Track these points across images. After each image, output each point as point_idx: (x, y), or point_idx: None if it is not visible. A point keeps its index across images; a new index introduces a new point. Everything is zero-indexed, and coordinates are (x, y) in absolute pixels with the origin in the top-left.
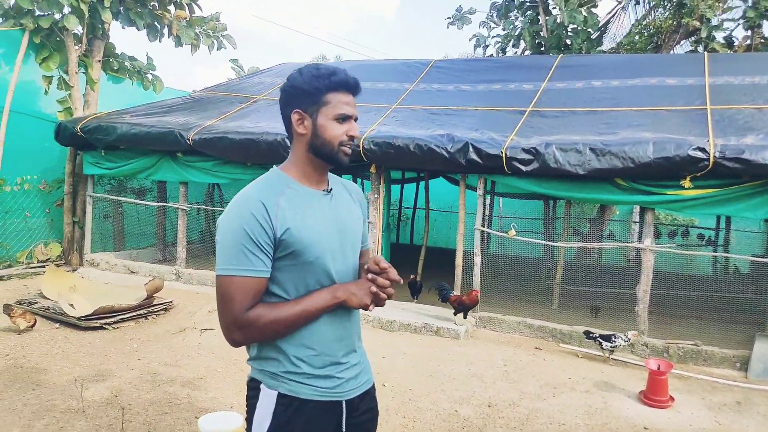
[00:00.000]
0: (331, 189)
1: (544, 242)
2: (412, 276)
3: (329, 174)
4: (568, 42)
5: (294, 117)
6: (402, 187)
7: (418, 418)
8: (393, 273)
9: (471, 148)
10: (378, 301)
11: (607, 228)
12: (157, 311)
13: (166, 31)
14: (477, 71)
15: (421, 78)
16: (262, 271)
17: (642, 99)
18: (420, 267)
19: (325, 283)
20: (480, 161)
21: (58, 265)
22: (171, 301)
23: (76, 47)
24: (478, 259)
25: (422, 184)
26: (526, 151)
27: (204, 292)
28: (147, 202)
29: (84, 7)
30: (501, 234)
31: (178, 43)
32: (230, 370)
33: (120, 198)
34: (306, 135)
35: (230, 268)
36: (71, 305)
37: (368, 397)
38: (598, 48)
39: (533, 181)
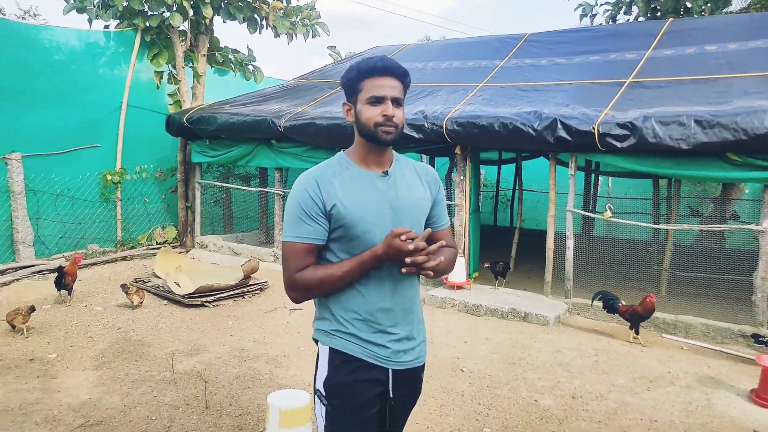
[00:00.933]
0: (387, 171)
1: (638, 224)
2: (487, 264)
3: (401, 157)
4: (688, 5)
5: (344, 109)
6: (499, 168)
7: (494, 406)
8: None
9: (559, 125)
10: (413, 259)
11: (731, 208)
12: (253, 291)
13: (265, 23)
14: (575, 43)
15: (513, 53)
16: (312, 239)
17: (764, 63)
18: (513, 250)
19: None
20: (569, 138)
21: (174, 247)
22: (266, 282)
23: (182, 43)
24: (570, 243)
25: (522, 164)
26: (621, 126)
27: None
28: (245, 188)
29: (187, 4)
30: (595, 215)
31: (276, 33)
32: (313, 349)
33: (222, 184)
34: (354, 122)
35: (287, 235)
36: (177, 284)
37: (415, 374)
38: (725, 9)
39: (630, 159)
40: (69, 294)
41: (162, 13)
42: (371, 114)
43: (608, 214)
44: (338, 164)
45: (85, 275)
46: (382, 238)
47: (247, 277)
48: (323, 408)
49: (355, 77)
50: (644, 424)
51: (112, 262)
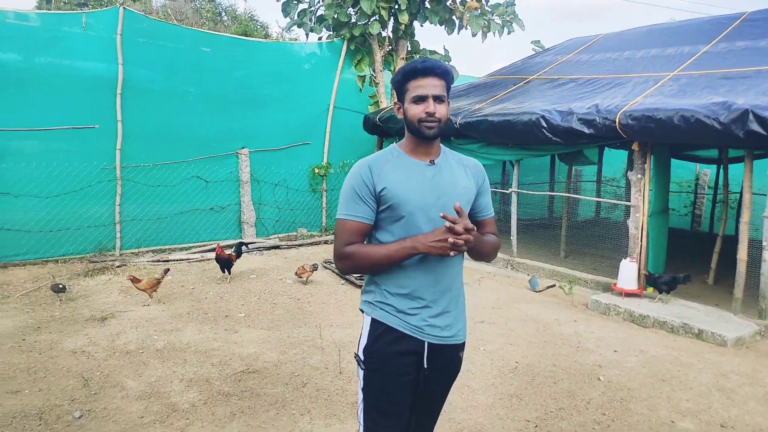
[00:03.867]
0: (433, 161)
1: None
2: (645, 272)
3: (448, 151)
4: None
5: (395, 108)
6: (718, 168)
7: (620, 419)
8: (467, 223)
9: (751, 117)
10: (456, 248)
11: None
12: None
13: (459, 23)
14: None
15: (723, 36)
16: (360, 218)
17: None
18: (713, 260)
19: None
20: (764, 133)
21: None
22: None
23: (381, 49)
24: (767, 254)
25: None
26: None
27: (468, 267)
28: None
29: (385, 14)
30: None
31: (473, 33)
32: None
33: None
34: (403, 119)
35: (340, 213)
36: None
37: (452, 352)
38: None
39: None
40: (228, 273)
41: (365, 24)
42: (415, 111)
43: None
44: (390, 153)
45: (290, 254)
46: (425, 219)
47: None
48: (362, 372)
49: (401, 79)
50: None
51: (315, 244)
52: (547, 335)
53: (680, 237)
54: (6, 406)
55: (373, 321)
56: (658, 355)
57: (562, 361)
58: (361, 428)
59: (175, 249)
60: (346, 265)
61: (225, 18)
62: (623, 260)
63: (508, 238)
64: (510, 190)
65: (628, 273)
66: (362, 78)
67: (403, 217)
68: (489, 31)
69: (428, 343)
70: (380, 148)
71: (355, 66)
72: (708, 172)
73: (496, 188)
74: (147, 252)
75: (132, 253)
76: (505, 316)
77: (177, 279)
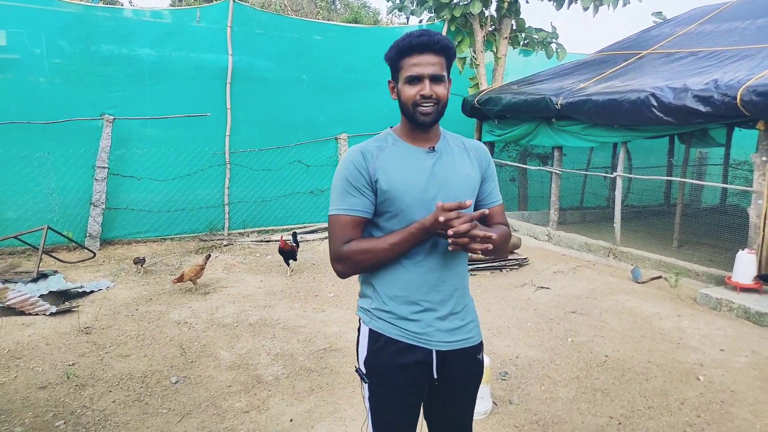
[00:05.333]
0: (434, 147)
1: None
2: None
3: (449, 134)
4: None
5: (389, 86)
6: None
7: (717, 422)
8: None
9: None
10: (456, 238)
11: None
12: (512, 266)
13: None
14: None
15: None
16: (357, 211)
17: None
18: None
19: None
20: None
21: None
22: (526, 258)
23: (482, 29)
24: None
25: None
26: None
27: (568, 255)
28: (516, 164)
29: None
30: None
31: (585, 6)
32: (539, 326)
33: (503, 162)
34: (397, 100)
35: (333, 209)
36: None
37: (467, 356)
38: None
39: None
40: (288, 265)
41: (466, 3)
42: (409, 94)
43: None
44: (385, 140)
45: None
46: (425, 213)
47: (508, 252)
48: (365, 386)
49: (395, 56)
50: None
51: None
52: (644, 329)
53: None
54: (116, 368)
55: (372, 332)
56: None
57: (658, 357)
58: None
59: (277, 230)
60: (346, 267)
61: (338, 6)
62: (740, 252)
63: (611, 226)
64: (614, 174)
65: (745, 266)
66: (462, 60)
67: (402, 210)
68: (602, 4)
69: (436, 351)
70: (479, 131)
71: (456, 48)
72: None
73: (606, 171)
74: (252, 232)
75: (239, 233)
76: (600, 307)
77: (277, 259)
